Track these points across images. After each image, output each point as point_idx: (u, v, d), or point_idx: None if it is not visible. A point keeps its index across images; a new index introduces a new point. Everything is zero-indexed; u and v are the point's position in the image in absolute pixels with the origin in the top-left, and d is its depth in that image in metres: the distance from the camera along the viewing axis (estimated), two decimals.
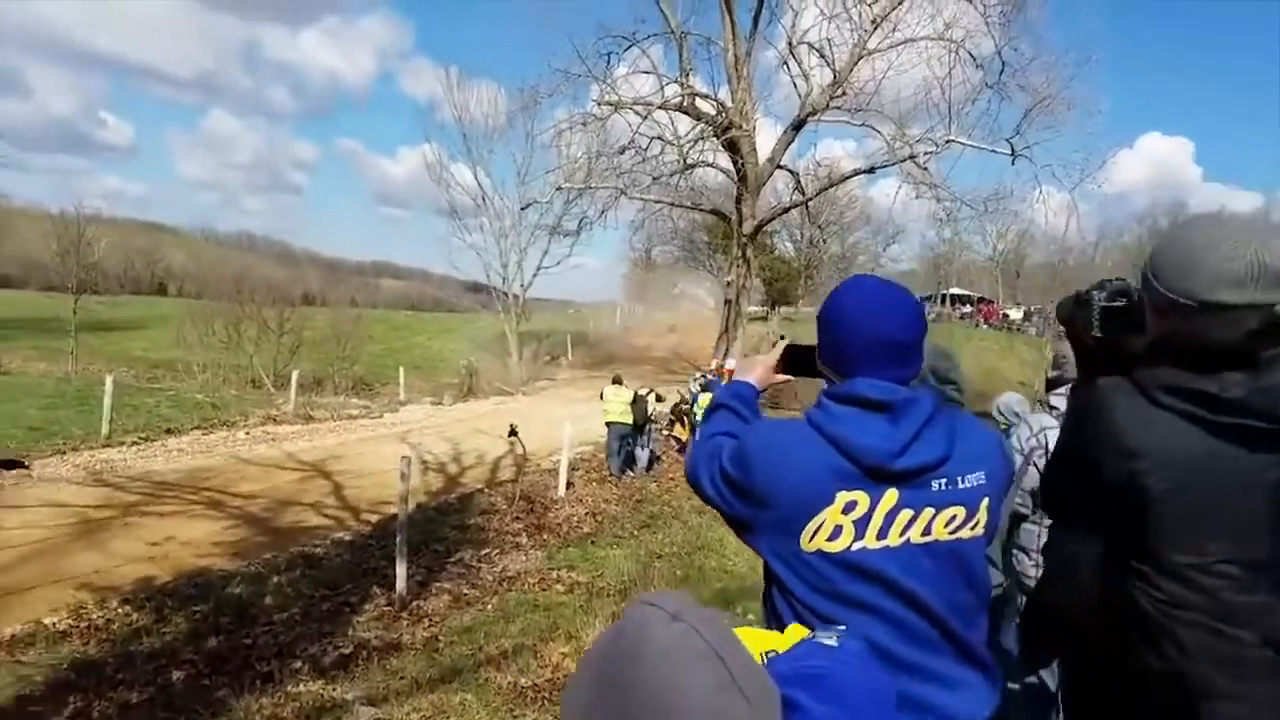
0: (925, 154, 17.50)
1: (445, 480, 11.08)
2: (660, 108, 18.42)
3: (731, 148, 18.34)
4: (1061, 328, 1.53)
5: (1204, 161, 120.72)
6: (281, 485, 9.83)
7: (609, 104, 18.25)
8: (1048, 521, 2.08)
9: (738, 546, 6.93)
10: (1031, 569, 2.67)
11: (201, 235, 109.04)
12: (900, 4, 17.40)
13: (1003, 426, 3.94)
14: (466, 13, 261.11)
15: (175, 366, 24.54)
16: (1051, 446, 2.01)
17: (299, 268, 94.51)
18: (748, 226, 19.03)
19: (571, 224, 22.69)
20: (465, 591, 6.86)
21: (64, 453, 10.47)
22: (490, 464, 12.20)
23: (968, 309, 50.34)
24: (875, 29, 17.54)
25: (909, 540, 1.23)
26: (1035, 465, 2.61)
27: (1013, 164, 17.77)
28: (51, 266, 27.69)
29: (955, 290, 53.53)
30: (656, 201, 20.45)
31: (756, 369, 1.61)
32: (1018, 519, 2.73)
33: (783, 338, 1.64)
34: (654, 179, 19.41)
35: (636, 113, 18.32)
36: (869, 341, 1.29)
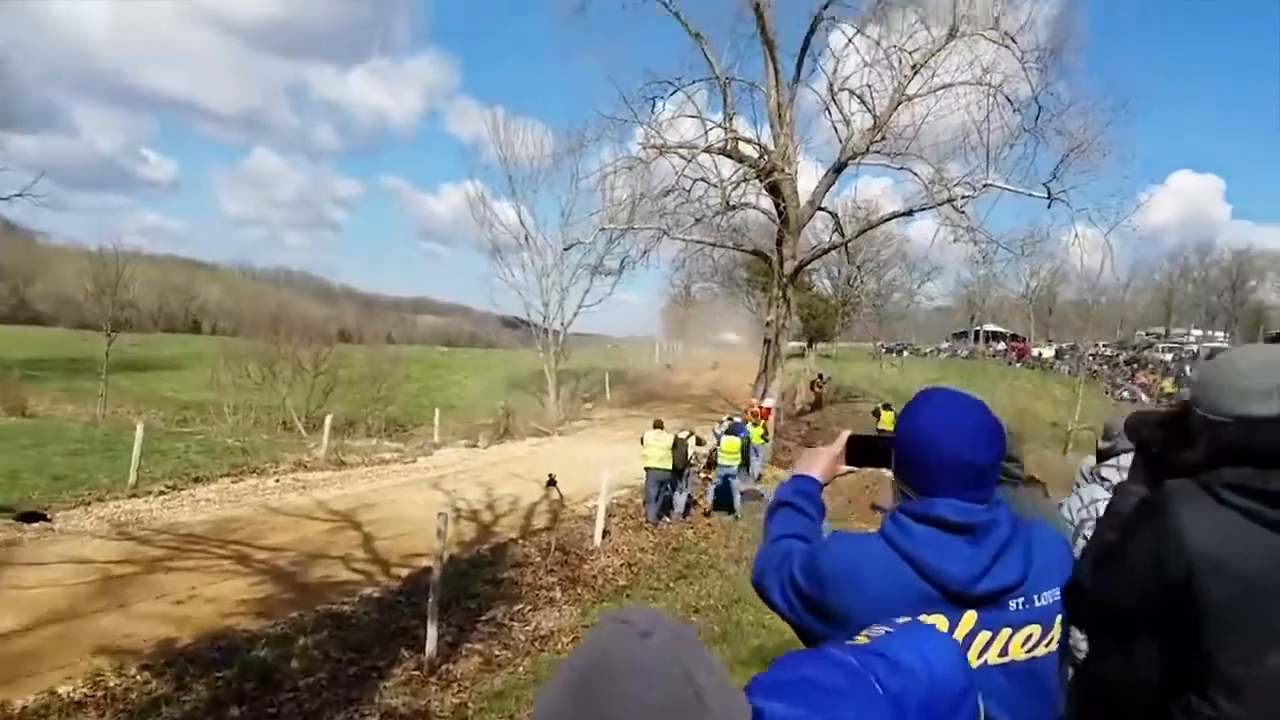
0: (963, 197, 17.55)
1: (478, 529, 10.73)
2: (705, 151, 18.56)
3: (774, 191, 18.54)
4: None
5: (1234, 199, 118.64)
6: (311, 536, 9.52)
7: (654, 147, 18.42)
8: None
9: None
10: (1083, 642, 2.46)
11: (239, 271, 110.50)
12: (939, 50, 17.52)
13: (1076, 484, 3.72)
14: (513, 54, 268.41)
15: (206, 408, 24.66)
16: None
17: (336, 304, 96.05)
18: (788, 267, 19.14)
19: (614, 263, 22.61)
20: (497, 653, 6.68)
21: (88, 503, 10.15)
22: (524, 510, 11.84)
23: (1001, 346, 50.27)
24: (915, 74, 17.69)
25: (986, 662, 1.22)
26: (1084, 537, 2.48)
27: (1048, 207, 17.71)
28: (86, 305, 28.15)
29: (990, 327, 53.70)
30: (698, 242, 20.52)
31: (820, 462, 1.57)
32: None
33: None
34: (696, 220, 19.54)
35: (681, 156, 18.42)
36: (950, 463, 1.25)
